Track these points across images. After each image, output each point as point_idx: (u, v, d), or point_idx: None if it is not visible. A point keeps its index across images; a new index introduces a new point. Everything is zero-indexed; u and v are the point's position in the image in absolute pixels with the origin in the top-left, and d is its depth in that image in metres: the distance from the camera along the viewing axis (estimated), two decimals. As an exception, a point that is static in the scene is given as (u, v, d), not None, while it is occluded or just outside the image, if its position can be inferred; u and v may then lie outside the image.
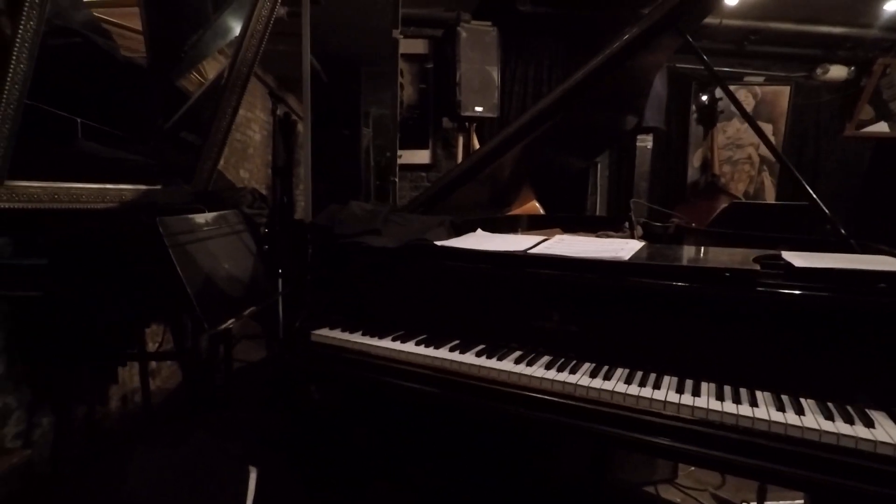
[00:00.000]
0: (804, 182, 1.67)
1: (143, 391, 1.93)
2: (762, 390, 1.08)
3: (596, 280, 1.25)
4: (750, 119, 1.83)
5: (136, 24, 2.28)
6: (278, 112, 2.08)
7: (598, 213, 3.97)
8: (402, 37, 2.95)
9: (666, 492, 2.21)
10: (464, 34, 3.47)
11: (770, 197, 4.09)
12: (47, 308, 1.70)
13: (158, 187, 1.95)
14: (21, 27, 1.33)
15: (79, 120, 1.85)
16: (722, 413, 1.01)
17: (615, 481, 2.13)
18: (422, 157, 4.04)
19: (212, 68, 2.73)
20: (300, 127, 2.59)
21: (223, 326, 1.48)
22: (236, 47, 2.14)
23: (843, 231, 1.54)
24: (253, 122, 4.11)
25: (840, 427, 0.94)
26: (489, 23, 3.63)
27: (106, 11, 2.16)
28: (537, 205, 3.04)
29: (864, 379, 1.03)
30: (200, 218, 1.69)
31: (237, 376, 2.44)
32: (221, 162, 2.51)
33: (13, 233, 1.67)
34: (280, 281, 2.10)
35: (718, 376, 1.13)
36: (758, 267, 1.15)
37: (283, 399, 2.03)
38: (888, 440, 0.90)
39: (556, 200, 3.04)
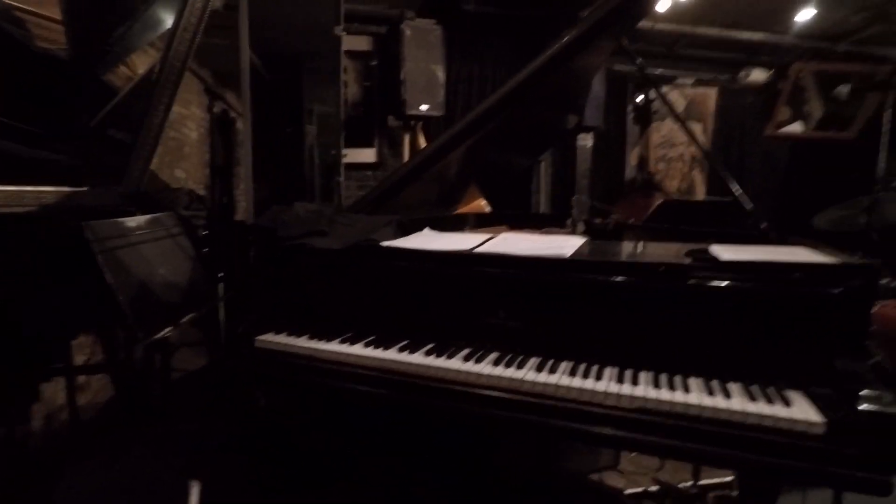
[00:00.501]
0: (728, 178, 1.78)
1: (70, 407, 1.81)
2: (695, 377, 1.15)
3: (540, 277, 1.29)
4: (680, 120, 1.94)
5: (55, 14, 2.13)
6: (215, 109, 1.99)
7: (542, 210, 4.08)
8: (344, 33, 2.90)
9: (610, 478, 2.30)
10: (408, 32, 3.45)
11: (701, 193, 4.34)
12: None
13: (85, 189, 1.82)
14: (-83, 14, 1.20)
15: (-12, 116, 1.71)
16: (658, 401, 1.07)
17: (561, 471, 2.20)
18: (367, 155, 3.99)
19: (141, 62, 2.59)
20: (239, 124, 2.50)
21: (159, 336, 1.41)
22: (168, 40, 2.03)
23: (762, 225, 1.66)
24: (188, 120, 3.92)
25: (762, 408, 1.01)
26: (434, 21, 3.63)
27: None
28: (484, 203, 3.07)
29: (784, 362, 1.12)
30: (132, 221, 1.60)
31: (176, 386, 2.33)
32: (155, 161, 2.38)
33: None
34: (220, 285, 2.02)
35: (655, 365, 1.19)
36: (689, 261, 1.22)
37: (227, 407, 1.96)
38: (803, 418, 0.98)
39: (502, 198, 3.08)
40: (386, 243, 1.47)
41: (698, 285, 1.18)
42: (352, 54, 3.77)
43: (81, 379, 2.42)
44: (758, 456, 1.00)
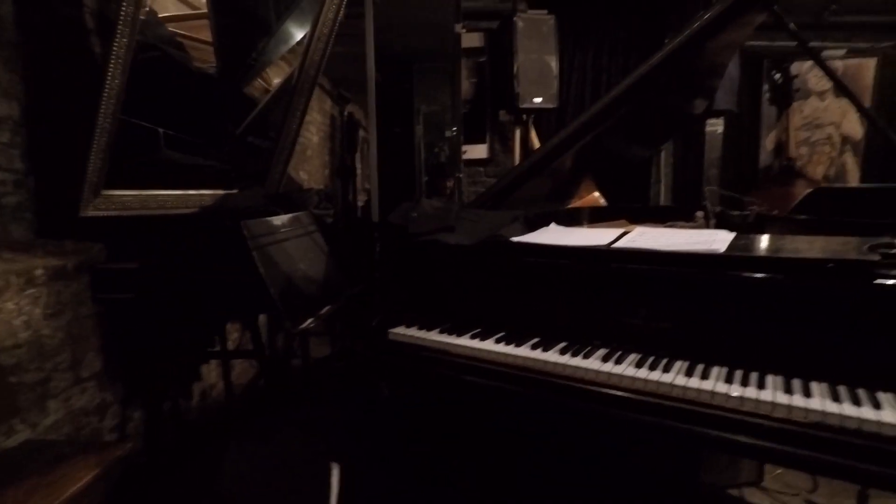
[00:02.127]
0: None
1: (226, 387, 2.02)
2: (884, 391, 0.99)
3: (690, 274, 1.19)
4: (846, 90, 1.68)
5: (206, 36, 2.38)
6: (344, 113, 2.11)
7: (662, 202, 3.81)
8: (464, 31, 2.93)
9: (752, 495, 2.09)
10: (520, 24, 3.40)
11: (854, 179, 3.80)
12: (138, 309, 1.80)
13: (235, 191, 2.02)
14: (115, 44, 1.40)
15: (161, 130, 1.95)
16: (841, 417, 0.94)
17: (698, 483, 2.04)
18: (479, 151, 4.01)
19: (274, 74, 2.82)
20: (362, 129, 2.62)
21: (304, 326, 1.52)
22: (304, 51, 2.19)
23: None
24: (310, 125, 4.21)
25: None
26: (545, 11, 3.55)
27: (178, 25, 2.26)
28: (598, 196, 2.94)
29: None
30: (277, 220, 1.74)
31: (312, 372, 2.51)
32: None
33: (106, 238, 1.78)
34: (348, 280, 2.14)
35: (829, 375, 1.05)
36: (876, 256, 1.06)
37: (353, 396, 2.07)
38: None
39: (618, 191, 2.92)
40: (516, 239, 1.45)
41: (887, 285, 1.02)
42: (463, 52, 3.81)
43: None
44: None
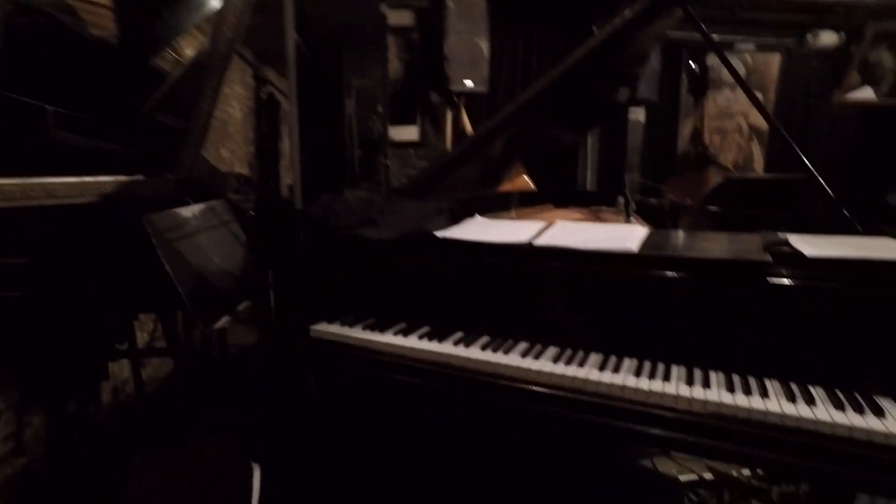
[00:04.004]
0: (802, 155, 1.64)
1: (137, 389, 1.89)
2: (771, 379, 1.08)
3: (604, 271, 1.23)
4: (744, 85, 1.79)
5: (104, -1, 2.14)
6: (262, 91, 1.98)
7: (588, 187, 3.94)
8: (389, 9, 2.82)
9: (662, 464, 2.25)
10: (452, 5, 3.33)
11: (759, 166, 4.09)
12: (31, 308, 1.63)
13: (140, 177, 1.85)
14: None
15: (49, 108, 1.75)
16: (735, 406, 1.01)
17: (614, 458, 2.17)
18: (409, 133, 3.93)
19: (187, 45, 2.59)
20: (285, 105, 2.49)
21: (218, 325, 1.44)
22: (216, 22, 2.02)
23: (845, 212, 1.53)
24: (232, 99, 3.94)
25: (852, 419, 0.94)
26: (477, -9, 3.49)
27: (70, -14, 2.02)
28: (527, 179, 2.98)
29: (871, 366, 1.03)
30: (187, 211, 1.62)
31: (231, 364, 2.40)
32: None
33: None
34: (271, 271, 2.04)
35: (727, 366, 1.13)
36: (768, 258, 1.13)
37: (279, 391, 2.00)
38: (899, 431, 0.90)
39: (547, 175, 2.98)
40: (440, 233, 1.43)
41: (778, 285, 1.09)
42: (393, 30, 3.68)
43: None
44: (842, 468, 0.93)
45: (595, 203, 2.44)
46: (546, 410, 1.17)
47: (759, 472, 2.04)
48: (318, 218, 1.56)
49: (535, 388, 1.18)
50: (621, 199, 2.20)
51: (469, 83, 3.43)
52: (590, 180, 3.95)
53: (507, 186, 2.84)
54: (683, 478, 2.17)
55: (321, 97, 3.89)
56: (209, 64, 1.99)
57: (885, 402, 0.98)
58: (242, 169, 3.60)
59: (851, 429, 0.92)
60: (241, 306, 1.63)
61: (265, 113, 2.33)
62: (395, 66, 3.84)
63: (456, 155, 1.90)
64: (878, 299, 1.02)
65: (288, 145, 2.30)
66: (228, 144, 3.93)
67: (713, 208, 2.16)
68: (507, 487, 1.71)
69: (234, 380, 1.93)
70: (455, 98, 3.58)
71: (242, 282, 1.73)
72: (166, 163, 1.99)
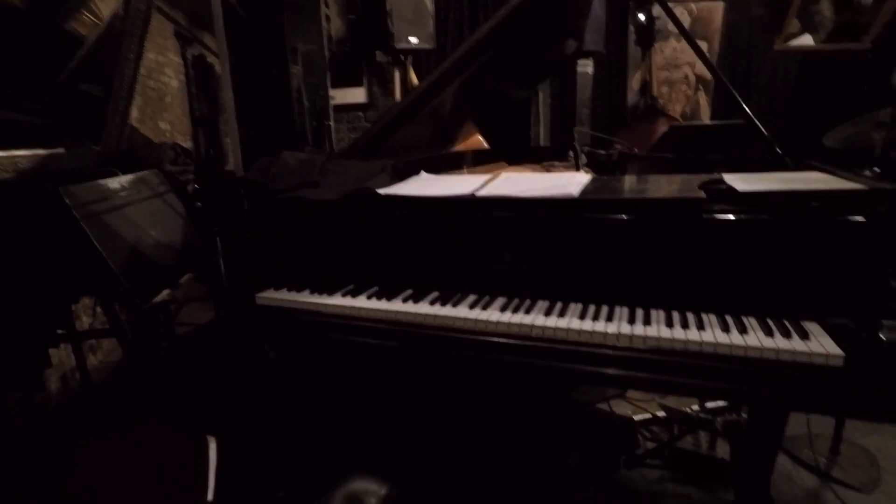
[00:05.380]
0: (740, 100, 1.68)
1: (81, 372, 1.81)
2: (708, 313, 1.12)
3: (546, 218, 1.23)
4: (688, 36, 1.80)
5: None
6: (188, 54, 1.86)
7: (542, 143, 3.94)
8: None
9: (618, 406, 2.35)
10: (392, -43, 3.18)
11: (706, 116, 4.18)
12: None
13: (61, 150, 1.73)
14: None
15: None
16: (672, 339, 1.04)
17: (572, 403, 2.25)
18: (357, 95, 3.80)
19: (105, 6, 2.40)
20: (218, 69, 2.35)
21: (158, 299, 1.38)
22: (129, -20, 1.87)
23: (777, 150, 1.58)
24: (167, 67, 3.71)
25: (779, 343, 0.98)
26: (417, -58, 3.34)
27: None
28: (481, 139, 2.96)
29: (800, 294, 1.08)
30: (114, 182, 1.52)
31: (185, 342, 2.33)
32: (136, 114, 2.27)
33: None
34: (217, 240, 1.97)
35: (668, 304, 1.16)
36: (702, 194, 1.15)
37: (236, 361, 1.97)
38: (821, 351, 0.95)
39: (500, 133, 2.96)
40: (382, 191, 1.40)
41: (713, 220, 1.12)
42: (333, -14, 3.52)
43: (92, 341, 2.43)
44: (774, 390, 0.98)
45: (548, 158, 2.45)
46: (498, 359, 1.18)
47: (707, 405, 2.15)
48: (256, 181, 1.50)
49: (485, 338, 1.19)
50: (571, 153, 2.21)
51: (414, 40, 3.32)
52: (542, 136, 3.94)
53: (460, 146, 2.81)
54: (638, 417, 2.27)
55: (266, 64, 3.69)
56: (126, 25, 1.85)
57: (810, 326, 1.03)
58: (184, 141, 3.42)
59: (778, 351, 0.97)
60: (183, 279, 1.56)
61: (196, 78, 2.19)
62: (337, 25, 3.68)
63: (395, 114, 1.84)
64: (803, 227, 1.06)
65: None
66: (167, 116, 3.72)
67: (658, 155, 2.19)
68: (470, 439, 1.74)
69: (187, 356, 1.88)
70: (402, 57, 3.47)
71: (184, 253, 1.66)
72: (91, 134, 1.85)
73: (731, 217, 1.10)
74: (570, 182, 1.33)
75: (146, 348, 1.79)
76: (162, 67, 3.65)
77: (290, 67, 3.88)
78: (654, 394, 2.34)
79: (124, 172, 1.64)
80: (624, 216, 1.17)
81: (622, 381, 1.11)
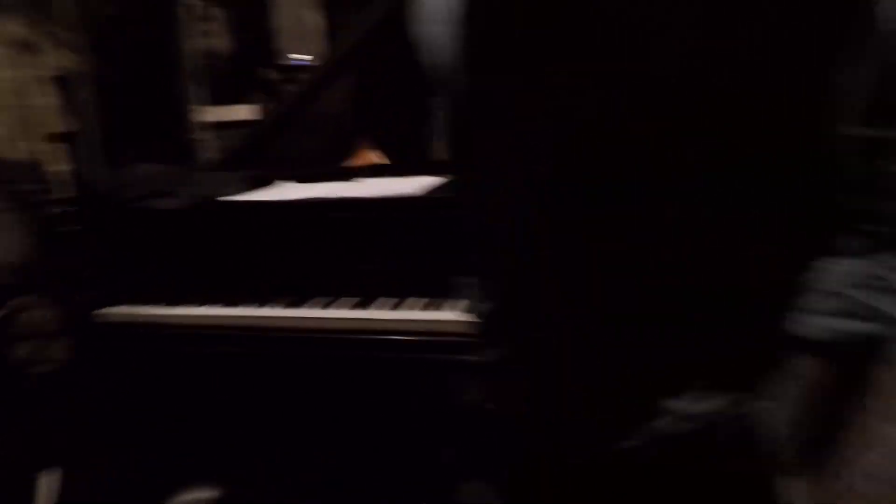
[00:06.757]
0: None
1: None
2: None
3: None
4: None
5: None
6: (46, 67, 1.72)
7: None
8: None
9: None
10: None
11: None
12: None
13: None
14: None
15: None
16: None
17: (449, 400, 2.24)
18: (244, 112, 3.70)
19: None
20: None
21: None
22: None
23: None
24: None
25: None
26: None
27: None
28: (375, 153, 2.94)
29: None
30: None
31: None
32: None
33: None
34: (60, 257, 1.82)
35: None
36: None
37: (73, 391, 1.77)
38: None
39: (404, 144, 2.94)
40: (225, 199, 1.39)
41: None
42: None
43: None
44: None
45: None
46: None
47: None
48: (102, 194, 1.44)
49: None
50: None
51: (302, 56, 3.29)
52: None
53: (354, 161, 2.77)
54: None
55: (150, 71, 3.46)
56: None
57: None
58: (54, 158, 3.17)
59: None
60: (13, 302, 1.45)
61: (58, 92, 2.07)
62: (224, 40, 3.59)
63: (269, 121, 1.82)
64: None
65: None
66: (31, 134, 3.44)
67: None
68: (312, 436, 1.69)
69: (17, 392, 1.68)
70: (291, 74, 3.43)
71: (19, 274, 1.54)
72: None
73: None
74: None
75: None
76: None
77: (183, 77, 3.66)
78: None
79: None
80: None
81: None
